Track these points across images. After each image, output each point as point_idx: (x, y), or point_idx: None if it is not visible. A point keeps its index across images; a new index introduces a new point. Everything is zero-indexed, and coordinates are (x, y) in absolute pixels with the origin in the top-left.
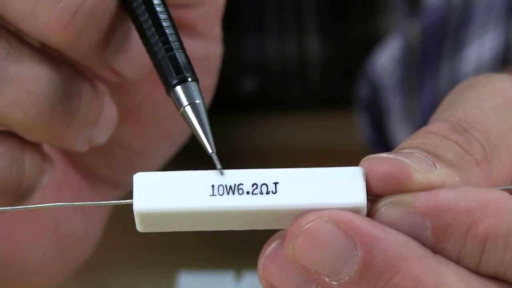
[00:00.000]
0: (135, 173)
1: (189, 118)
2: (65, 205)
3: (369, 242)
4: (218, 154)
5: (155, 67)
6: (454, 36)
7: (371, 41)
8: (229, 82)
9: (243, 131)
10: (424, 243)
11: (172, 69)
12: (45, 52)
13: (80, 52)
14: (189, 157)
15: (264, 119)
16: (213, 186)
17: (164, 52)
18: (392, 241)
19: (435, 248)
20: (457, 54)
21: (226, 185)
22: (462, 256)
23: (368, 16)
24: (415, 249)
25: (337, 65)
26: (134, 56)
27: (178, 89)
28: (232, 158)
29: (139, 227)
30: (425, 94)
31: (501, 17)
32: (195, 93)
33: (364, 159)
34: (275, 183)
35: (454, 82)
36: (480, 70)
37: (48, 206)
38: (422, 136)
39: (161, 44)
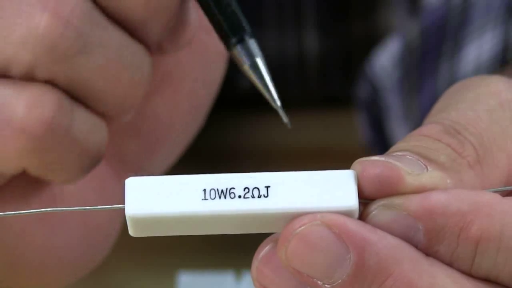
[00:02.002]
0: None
1: (253, 76)
2: (59, 210)
3: (361, 245)
4: (216, 153)
5: (214, 26)
6: (454, 36)
7: (371, 38)
8: (226, 79)
9: (241, 130)
10: (416, 246)
11: (234, 25)
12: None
13: (152, 28)
14: (181, 162)
15: (262, 117)
16: (204, 190)
17: (228, 9)
18: (385, 244)
19: (428, 251)
20: (456, 54)
21: (217, 189)
22: (454, 258)
23: (368, 12)
24: (407, 252)
25: (337, 61)
26: (183, 33)
27: (239, 47)
28: (230, 157)
29: (131, 232)
30: (424, 94)
31: (500, 17)
32: (255, 50)
33: (355, 162)
34: (267, 187)
35: (453, 82)
36: (479, 70)
37: (41, 211)
38: (415, 139)
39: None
